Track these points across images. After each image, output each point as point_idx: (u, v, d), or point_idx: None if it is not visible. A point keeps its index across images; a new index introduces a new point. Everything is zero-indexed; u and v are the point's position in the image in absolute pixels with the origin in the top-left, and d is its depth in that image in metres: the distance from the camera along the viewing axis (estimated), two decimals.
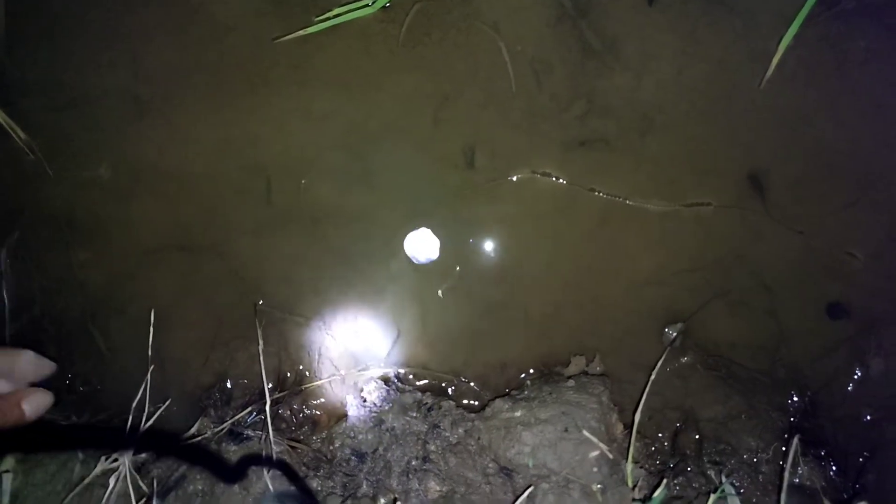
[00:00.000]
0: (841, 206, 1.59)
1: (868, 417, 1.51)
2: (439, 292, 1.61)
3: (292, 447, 1.43)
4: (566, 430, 1.23)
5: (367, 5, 1.57)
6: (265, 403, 1.41)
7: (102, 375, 1.56)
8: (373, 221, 1.64)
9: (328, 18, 1.58)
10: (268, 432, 1.30)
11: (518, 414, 1.30)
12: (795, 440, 1.25)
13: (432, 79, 1.67)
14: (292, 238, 1.64)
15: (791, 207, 1.59)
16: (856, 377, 1.52)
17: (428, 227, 1.63)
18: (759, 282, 1.59)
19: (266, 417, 1.30)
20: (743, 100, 1.60)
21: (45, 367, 1.07)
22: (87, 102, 1.69)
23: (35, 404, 1.03)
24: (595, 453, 1.20)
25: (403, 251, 1.62)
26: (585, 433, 1.21)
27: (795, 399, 1.52)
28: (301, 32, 1.60)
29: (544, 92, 1.64)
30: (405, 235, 1.63)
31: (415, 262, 1.62)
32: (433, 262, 1.62)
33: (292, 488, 1.30)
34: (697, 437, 1.50)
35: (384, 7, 1.62)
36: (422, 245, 1.62)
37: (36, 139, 1.65)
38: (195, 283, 1.64)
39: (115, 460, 1.29)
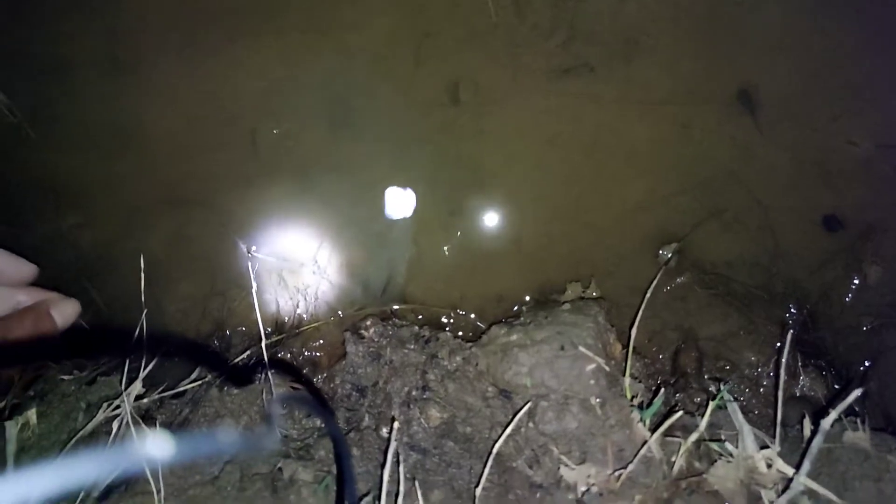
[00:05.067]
0: (829, 119, 1.57)
1: (868, 326, 1.50)
2: (444, 250, 1.60)
3: (294, 388, 1.43)
4: (562, 349, 1.23)
5: None
6: (263, 343, 1.42)
7: (102, 330, 1.56)
8: (360, 166, 1.63)
9: None
10: (266, 371, 1.31)
11: (514, 338, 1.30)
12: (789, 336, 1.24)
13: (411, 17, 1.65)
14: (281, 187, 1.64)
15: (781, 123, 1.58)
16: (854, 286, 1.52)
17: (402, 183, 1.62)
18: (753, 199, 1.58)
19: (263, 352, 1.30)
20: (727, 15, 1.58)
21: (24, 267, 1.05)
22: (63, 67, 1.68)
23: (64, 312, 1.01)
24: (591, 366, 1.20)
25: (393, 193, 1.62)
26: (581, 349, 1.21)
27: (794, 312, 1.51)
28: None
29: (525, 22, 1.62)
30: (394, 177, 1.62)
31: (391, 218, 1.61)
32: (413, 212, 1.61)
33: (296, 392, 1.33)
34: (697, 355, 1.50)
35: None
36: (397, 202, 1.61)
37: (16, 104, 1.64)
38: (187, 236, 1.64)
39: (118, 407, 1.30)
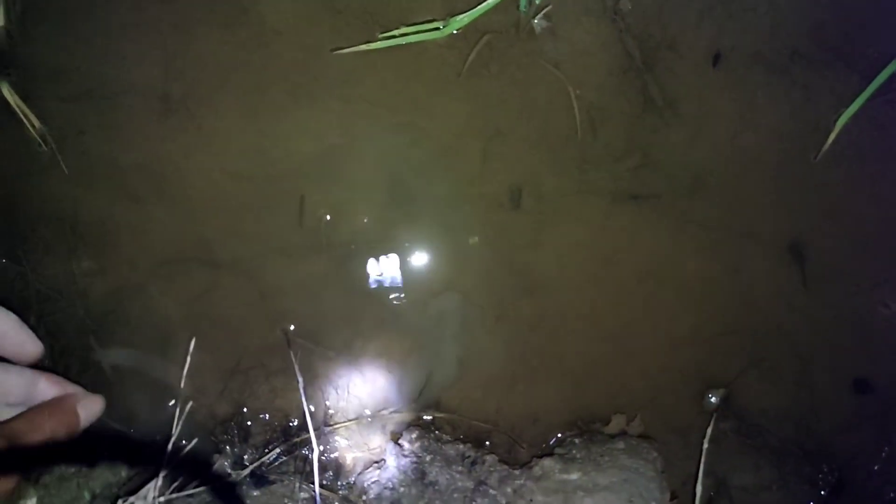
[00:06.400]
0: (872, 284, 1.63)
1: (891, 495, 1.53)
2: (486, 357, 1.53)
3: (320, 494, 1.31)
4: (631, 501, 1.18)
5: (437, 29, 1.50)
6: (295, 445, 1.30)
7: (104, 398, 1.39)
8: (409, 255, 1.55)
9: (394, 37, 1.50)
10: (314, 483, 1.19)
11: (574, 477, 1.24)
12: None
13: (485, 113, 1.61)
14: (323, 263, 1.54)
15: (826, 280, 1.62)
16: (882, 454, 1.55)
17: (452, 282, 1.56)
18: (793, 351, 1.60)
19: (314, 470, 1.18)
20: (792, 170, 1.62)
21: (30, 344, 0.93)
22: (105, 95, 1.54)
23: (90, 410, 0.91)
24: None
25: (440, 290, 1.55)
26: None
27: (825, 472, 1.53)
28: (363, 47, 1.51)
29: (599, 140, 1.61)
30: (444, 274, 1.55)
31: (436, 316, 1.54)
32: (460, 313, 1.56)
33: None
34: None
35: (450, 34, 1.55)
36: (444, 300, 1.55)
37: (50, 129, 1.48)
38: (213, 301, 1.51)
39: None
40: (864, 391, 1.59)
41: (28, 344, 0.93)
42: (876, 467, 1.54)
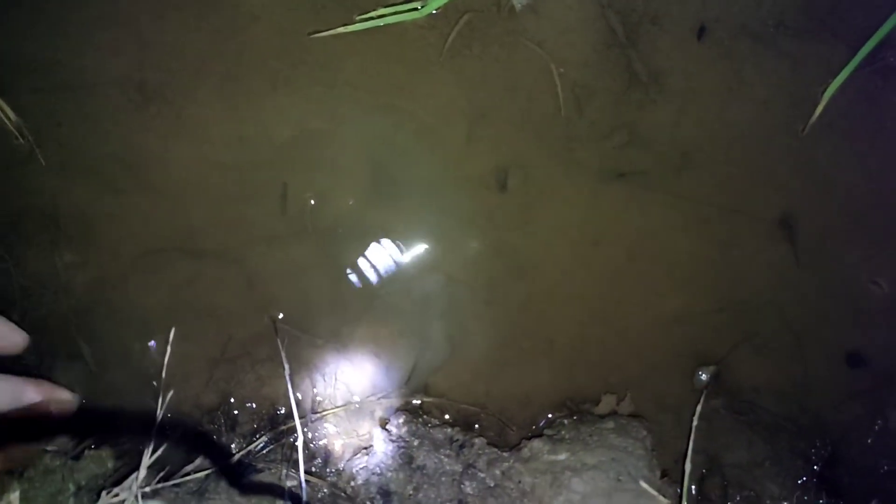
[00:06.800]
0: (863, 258, 1.61)
1: (885, 469, 1.52)
2: (475, 340, 1.52)
3: (308, 481, 1.31)
4: (619, 480, 1.17)
5: (415, 9, 1.47)
6: (282, 433, 1.29)
7: (89, 392, 1.38)
8: (394, 239, 1.54)
9: (371, 18, 1.48)
10: (299, 472, 1.18)
11: (562, 457, 1.23)
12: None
13: (469, 94, 1.59)
14: (308, 250, 1.52)
15: (817, 254, 1.60)
16: (875, 428, 1.53)
17: (439, 266, 1.54)
18: (785, 326, 1.58)
19: (299, 457, 1.17)
20: (781, 143, 1.60)
21: (16, 336, 0.95)
22: (83, 86, 1.52)
23: (63, 407, 0.96)
24: None
25: (427, 275, 1.53)
26: (643, 485, 1.16)
27: (818, 446, 1.51)
28: (341, 30, 1.49)
29: (584, 118, 1.59)
30: (431, 257, 1.54)
31: (422, 300, 1.52)
32: (447, 298, 1.54)
33: None
34: (722, 483, 1.47)
35: (430, 14, 1.53)
36: (431, 285, 1.54)
37: (27, 123, 1.47)
38: (198, 290, 1.49)
39: (116, 495, 1.14)
40: (857, 365, 1.58)
41: (14, 334, 0.95)
42: (870, 441, 1.53)
